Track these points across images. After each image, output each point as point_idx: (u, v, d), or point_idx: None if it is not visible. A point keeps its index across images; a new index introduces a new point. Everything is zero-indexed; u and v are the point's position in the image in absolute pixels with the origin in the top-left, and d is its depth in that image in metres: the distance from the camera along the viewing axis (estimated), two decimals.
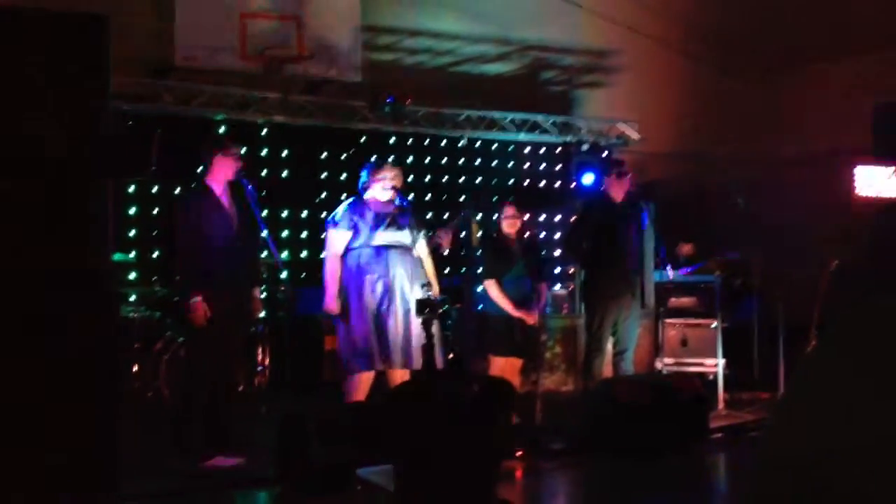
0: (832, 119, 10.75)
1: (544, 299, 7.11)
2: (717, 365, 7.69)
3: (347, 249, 6.05)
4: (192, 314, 5.87)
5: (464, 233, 7.71)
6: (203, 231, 5.95)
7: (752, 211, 7.69)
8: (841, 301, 7.75)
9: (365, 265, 5.98)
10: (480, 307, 7.14)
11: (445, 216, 9.30)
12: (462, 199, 9.22)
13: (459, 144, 9.82)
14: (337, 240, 6.05)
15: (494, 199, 7.01)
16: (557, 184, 10.51)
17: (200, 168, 6.31)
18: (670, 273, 7.46)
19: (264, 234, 6.08)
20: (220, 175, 6.07)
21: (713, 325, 7.94)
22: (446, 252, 7.19)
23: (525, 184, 10.35)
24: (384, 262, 5.99)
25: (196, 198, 6.06)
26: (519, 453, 6.04)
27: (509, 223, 6.89)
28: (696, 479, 6.03)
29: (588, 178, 8.69)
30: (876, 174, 7.94)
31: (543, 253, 7.24)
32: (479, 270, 6.98)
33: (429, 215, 8.98)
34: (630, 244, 7.05)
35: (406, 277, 6.02)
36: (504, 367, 6.72)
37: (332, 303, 5.98)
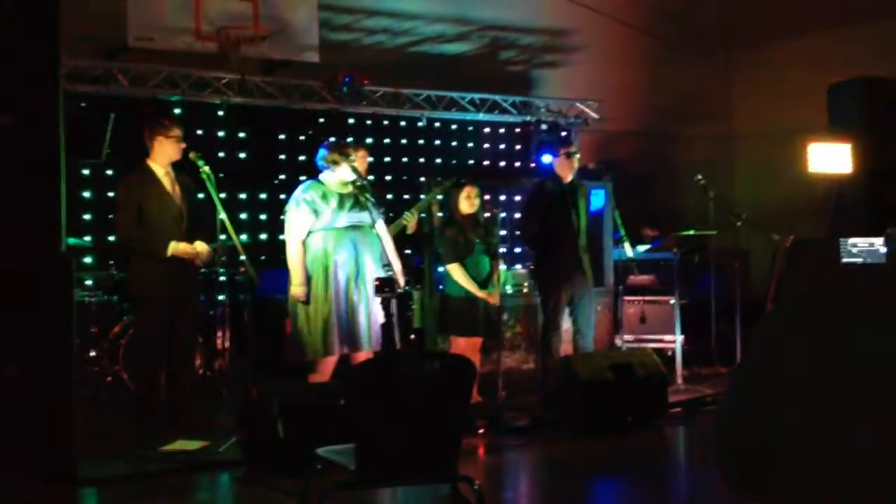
0: (788, 97, 10.88)
1: (496, 275, 7.11)
2: (675, 341, 7.78)
3: (310, 232, 5.96)
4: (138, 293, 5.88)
5: (424, 214, 7.71)
6: (145, 214, 5.89)
7: (709, 188, 7.77)
8: (795, 276, 7.88)
9: (331, 247, 5.89)
10: (441, 288, 7.15)
11: (406, 197, 9.29)
12: (422, 179, 9.20)
13: (419, 125, 9.79)
14: (299, 223, 5.92)
15: (462, 181, 6.97)
16: (517, 163, 10.53)
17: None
18: (629, 251, 7.51)
19: (223, 216, 6.01)
20: (162, 157, 6.00)
21: (671, 302, 8.03)
22: (410, 232, 7.21)
23: (485, 163, 10.37)
24: (350, 244, 5.91)
25: (136, 180, 5.99)
26: (481, 431, 6.09)
27: (469, 203, 6.90)
28: (656, 453, 6.11)
29: (547, 158, 8.71)
30: (830, 151, 8.05)
31: (503, 233, 7.26)
32: (441, 253, 6.98)
33: (388, 196, 8.95)
34: (578, 223, 7.08)
35: (372, 259, 5.98)
36: (465, 346, 6.75)
37: (299, 288, 5.87)
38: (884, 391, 1.05)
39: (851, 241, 7.35)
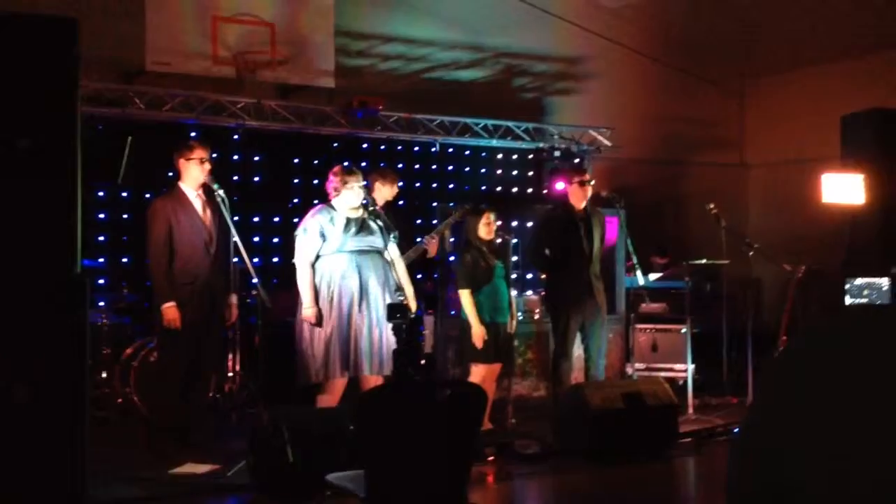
0: (801, 127, 10.89)
1: (513, 304, 7.12)
2: (686, 370, 7.75)
3: (318, 256, 6.01)
4: (165, 320, 5.85)
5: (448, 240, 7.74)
6: (175, 236, 5.94)
7: (722, 217, 7.76)
8: (808, 307, 7.85)
9: (337, 271, 5.94)
10: (453, 313, 7.14)
11: (419, 221, 9.31)
12: (435, 204, 9.22)
13: (432, 150, 9.83)
14: (307, 247, 5.99)
15: (481, 206, 6.98)
16: (530, 190, 10.56)
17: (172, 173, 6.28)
18: (641, 279, 7.51)
19: (235, 239, 6.05)
20: (191, 179, 6.06)
21: (683, 331, 8.01)
22: (431, 256, 7.22)
23: (497, 189, 10.40)
24: (356, 267, 5.95)
25: (168, 203, 6.04)
26: (491, 458, 6.06)
27: (488, 229, 6.89)
28: (666, 483, 6.07)
29: (559, 185, 8.73)
30: (843, 182, 8.04)
31: (515, 259, 7.27)
32: (457, 277, 6.96)
33: (401, 221, 8.97)
34: (591, 251, 7.08)
35: (378, 282, 6.00)
36: (486, 373, 6.74)
37: (310, 311, 5.92)
38: (891, 434, 1.05)
39: (857, 281, 7.31)
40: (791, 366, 1.22)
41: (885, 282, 7.16)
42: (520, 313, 8.19)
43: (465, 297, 6.77)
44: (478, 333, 6.66)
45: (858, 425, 1.09)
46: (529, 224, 10.08)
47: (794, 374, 1.20)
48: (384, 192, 6.87)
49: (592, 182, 7.31)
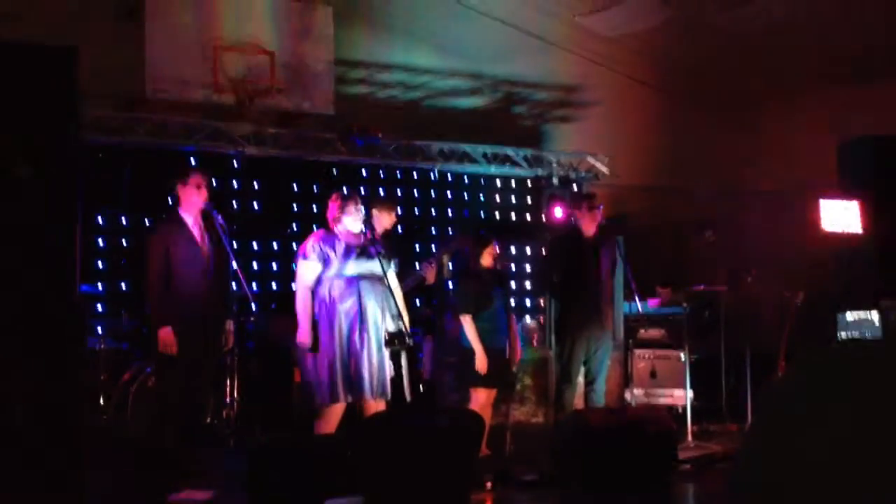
0: (798, 154, 10.93)
1: (516, 331, 7.12)
2: (685, 396, 7.74)
3: (318, 281, 6.04)
4: (162, 345, 5.86)
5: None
6: (173, 262, 5.96)
7: (719, 244, 7.78)
8: (806, 334, 7.85)
9: (337, 296, 5.96)
10: (452, 338, 7.13)
11: (417, 248, 9.34)
12: (433, 231, 9.27)
13: (431, 177, 9.88)
14: (307, 272, 6.02)
15: (488, 235, 6.99)
16: (527, 216, 10.59)
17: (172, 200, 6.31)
18: (639, 305, 7.52)
19: (234, 265, 6.08)
20: (190, 206, 6.09)
21: (681, 357, 8.01)
22: (429, 283, 7.23)
23: (496, 216, 10.43)
24: (356, 293, 5.98)
25: (167, 229, 6.06)
26: (489, 485, 6.04)
27: (492, 259, 6.89)
28: None
29: (558, 212, 8.76)
30: (840, 209, 8.07)
31: (513, 285, 7.28)
32: (457, 304, 6.96)
33: (400, 247, 9.00)
34: (601, 277, 7.11)
35: (378, 308, 6.02)
36: (485, 400, 6.73)
37: (305, 336, 5.94)
38: (886, 469, 1.06)
39: (848, 315, 7.32)
40: (783, 397, 1.24)
41: (874, 314, 7.17)
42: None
43: (467, 322, 6.77)
44: (481, 358, 6.66)
45: (850, 456, 1.10)
46: (528, 251, 10.12)
47: (785, 405, 1.21)
48: (383, 220, 6.90)
49: (601, 207, 7.31)
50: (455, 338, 7.09)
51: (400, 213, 9.81)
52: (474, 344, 6.69)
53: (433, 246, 8.08)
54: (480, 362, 6.66)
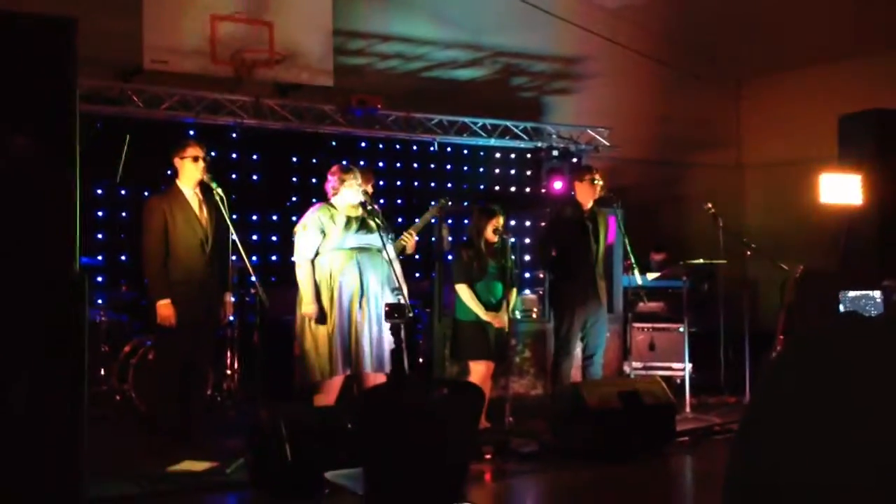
0: (799, 127, 10.90)
1: (508, 301, 7.09)
2: (684, 369, 7.77)
3: (318, 253, 6.04)
4: (160, 318, 5.86)
5: (433, 238, 7.72)
6: (171, 233, 5.95)
7: (719, 217, 7.77)
8: (805, 307, 7.86)
9: (337, 269, 5.98)
10: (448, 311, 7.13)
11: (416, 220, 9.32)
12: (433, 203, 9.25)
13: (430, 149, 9.84)
14: (307, 244, 6.03)
15: (493, 209, 6.95)
16: (528, 189, 10.57)
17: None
18: (638, 278, 7.52)
19: (234, 237, 6.06)
20: (187, 177, 6.06)
21: (680, 330, 8.03)
22: (409, 253, 7.21)
23: (495, 188, 10.41)
24: (356, 266, 5.99)
25: (165, 200, 6.05)
26: (488, 456, 6.07)
27: (497, 232, 6.85)
28: (663, 482, 6.08)
29: (557, 184, 8.73)
30: (841, 182, 8.05)
31: (513, 258, 7.27)
32: (453, 272, 6.96)
33: (399, 220, 8.99)
34: (598, 249, 7.11)
35: (377, 280, 6.04)
36: (483, 372, 6.74)
37: (311, 306, 5.95)
38: (885, 446, 1.06)
39: (850, 293, 7.31)
40: (782, 371, 1.23)
41: (877, 294, 7.16)
42: (518, 312, 8.19)
43: (463, 290, 6.77)
44: (485, 316, 6.68)
45: (847, 431, 1.10)
46: (527, 223, 10.10)
47: (784, 379, 1.21)
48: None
49: (600, 180, 7.26)
50: (451, 311, 7.10)
51: (399, 184, 9.86)
52: (475, 309, 6.70)
53: (433, 220, 8.03)
54: (490, 318, 6.66)
